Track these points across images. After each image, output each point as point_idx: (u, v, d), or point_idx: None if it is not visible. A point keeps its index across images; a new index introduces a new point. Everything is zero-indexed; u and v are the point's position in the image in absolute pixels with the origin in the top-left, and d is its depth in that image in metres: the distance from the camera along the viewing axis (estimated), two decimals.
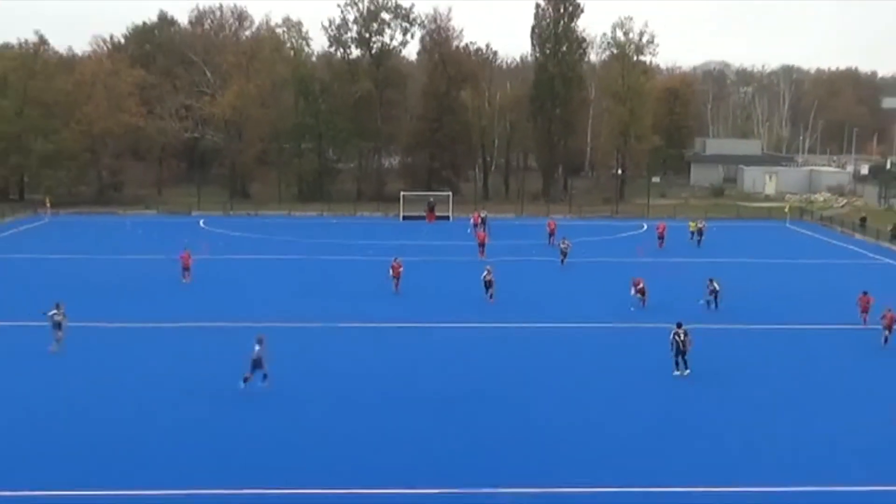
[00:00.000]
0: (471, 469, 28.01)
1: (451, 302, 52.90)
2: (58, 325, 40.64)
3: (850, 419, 32.94)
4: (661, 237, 75.43)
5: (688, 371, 37.17)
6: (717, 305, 50.05)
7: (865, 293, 47.22)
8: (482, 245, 69.08)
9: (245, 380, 34.29)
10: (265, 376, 34.48)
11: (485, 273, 52.52)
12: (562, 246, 65.35)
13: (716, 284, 50.24)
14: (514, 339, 44.53)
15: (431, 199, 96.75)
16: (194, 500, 25.75)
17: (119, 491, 26.03)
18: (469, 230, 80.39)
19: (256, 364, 34.38)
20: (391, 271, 54.87)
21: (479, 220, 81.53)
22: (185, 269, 57.99)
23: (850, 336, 45.58)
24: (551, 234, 75.51)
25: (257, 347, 34.48)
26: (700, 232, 76.44)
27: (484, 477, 27.33)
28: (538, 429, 31.65)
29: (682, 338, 37.10)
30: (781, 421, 32.68)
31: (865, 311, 46.58)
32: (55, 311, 40.71)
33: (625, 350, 42.36)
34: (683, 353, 37.14)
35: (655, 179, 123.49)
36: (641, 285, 50.44)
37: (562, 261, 64.48)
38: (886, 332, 42.74)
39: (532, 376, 38.11)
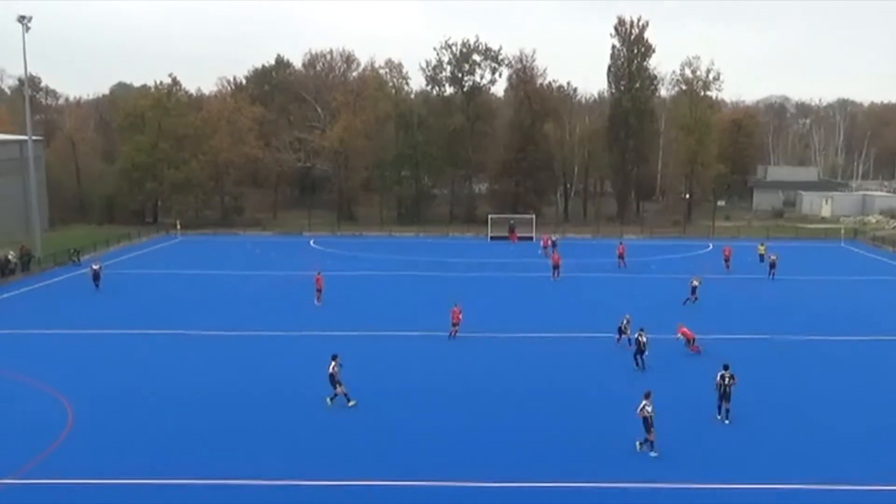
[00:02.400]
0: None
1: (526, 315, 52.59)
2: (334, 378, 33.83)
3: None
4: (727, 260, 71.95)
5: (727, 422, 32.03)
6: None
7: None
8: (556, 267, 67.26)
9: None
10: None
11: (623, 321, 44.29)
12: (694, 283, 56.34)
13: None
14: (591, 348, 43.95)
15: (512, 222, 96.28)
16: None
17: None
18: (540, 252, 79.70)
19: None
20: (452, 316, 46.13)
21: (550, 244, 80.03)
22: (318, 290, 55.19)
23: None
24: (620, 256, 73.59)
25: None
26: (773, 264, 67.62)
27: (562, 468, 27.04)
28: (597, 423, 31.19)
29: (726, 381, 32.22)
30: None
31: None
32: (333, 364, 34.00)
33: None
34: (727, 397, 32.25)
35: (721, 203, 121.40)
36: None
37: (693, 299, 55.61)
38: None
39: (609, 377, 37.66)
